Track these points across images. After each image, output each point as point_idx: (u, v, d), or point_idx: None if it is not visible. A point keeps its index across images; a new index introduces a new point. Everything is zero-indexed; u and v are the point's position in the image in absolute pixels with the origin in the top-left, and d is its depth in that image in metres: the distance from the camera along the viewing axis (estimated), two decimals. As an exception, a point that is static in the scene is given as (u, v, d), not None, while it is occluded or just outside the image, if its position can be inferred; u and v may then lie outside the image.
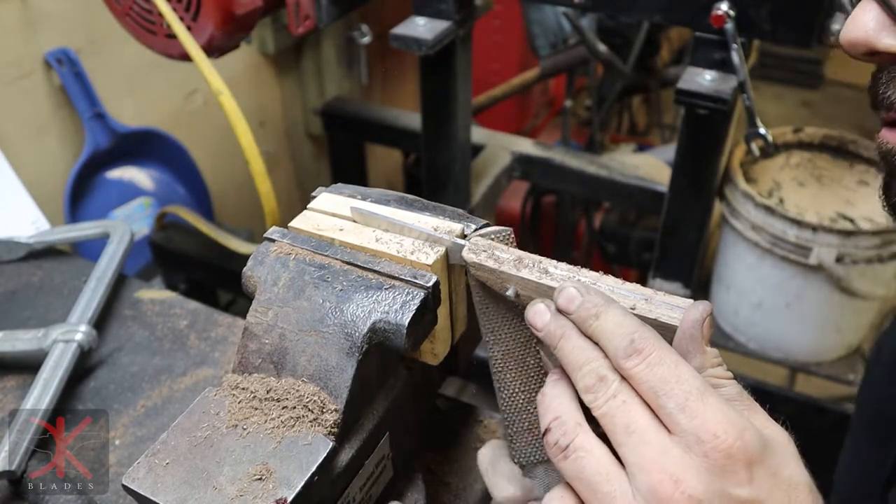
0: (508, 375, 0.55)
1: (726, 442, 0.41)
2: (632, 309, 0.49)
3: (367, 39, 1.93)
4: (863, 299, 1.52)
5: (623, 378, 0.45)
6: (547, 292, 0.51)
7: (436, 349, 0.58)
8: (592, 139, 2.14)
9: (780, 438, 0.44)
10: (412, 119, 1.84)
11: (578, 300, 0.47)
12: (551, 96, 2.79)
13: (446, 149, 1.45)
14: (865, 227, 1.48)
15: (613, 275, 0.51)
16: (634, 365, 0.44)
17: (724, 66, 1.05)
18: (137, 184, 1.64)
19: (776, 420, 0.46)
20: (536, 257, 0.53)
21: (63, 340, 0.80)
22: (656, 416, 0.43)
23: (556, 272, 0.51)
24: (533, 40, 2.02)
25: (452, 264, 0.56)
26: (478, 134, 1.75)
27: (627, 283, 0.50)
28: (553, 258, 0.53)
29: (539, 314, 0.50)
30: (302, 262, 0.55)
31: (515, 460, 0.56)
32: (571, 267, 0.52)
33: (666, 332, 0.48)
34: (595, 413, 0.45)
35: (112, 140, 1.52)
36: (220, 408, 0.52)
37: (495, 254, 0.53)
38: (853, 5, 0.54)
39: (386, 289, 0.53)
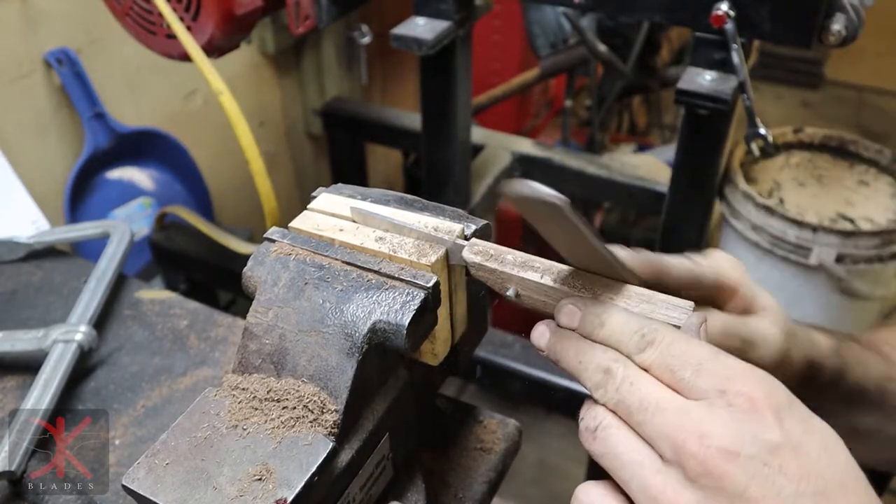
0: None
1: (748, 387, 0.40)
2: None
3: (367, 39, 1.93)
4: (863, 299, 1.53)
5: (633, 365, 0.44)
6: (547, 292, 0.51)
7: (436, 349, 0.58)
8: (592, 139, 2.14)
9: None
10: (412, 119, 1.84)
11: (578, 315, 0.48)
12: (551, 96, 2.79)
13: (446, 149, 1.45)
14: (865, 228, 1.48)
15: (613, 275, 0.51)
16: (650, 355, 0.44)
17: (724, 66, 1.05)
18: (137, 184, 1.64)
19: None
20: (537, 259, 0.53)
21: (63, 340, 0.80)
22: (672, 389, 0.43)
23: (557, 270, 0.51)
24: (533, 40, 2.02)
25: (452, 264, 0.56)
26: (478, 134, 1.75)
27: (626, 285, 0.50)
28: (553, 258, 0.53)
29: (540, 337, 0.50)
30: (302, 262, 0.55)
31: None
32: (572, 269, 0.52)
33: None
34: (609, 407, 0.44)
35: (112, 140, 1.52)
36: (220, 408, 0.52)
37: (495, 254, 0.53)
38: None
39: (386, 289, 0.53)
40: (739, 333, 0.55)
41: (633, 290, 0.50)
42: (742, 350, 0.55)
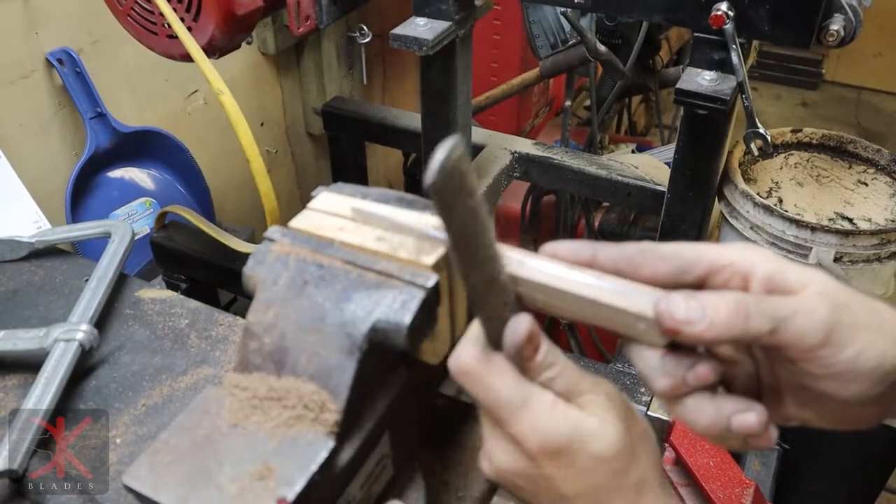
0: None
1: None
2: (644, 311, 0.48)
3: (367, 39, 1.93)
4: (862, 299, 1.52)
5: None
6: (545, 290, 0.51)
7: (436, 349, 0.58)
8: (592, 139, 2.14)
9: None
10: (412, 119, 1.84)
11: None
12: (551, 96, 2.79)
13: (446, 149, 1.45)
14: (864, 227, 1.48)
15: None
16: None
17: (724, 66, 1.06)
18: (138, 183, 1.64)
19: None
20: (535, 256, 0.53)
21: (64, 339, 0.80)
22: None
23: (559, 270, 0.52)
24: (533, 40, 2.02)
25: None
26: (478, 134, 1.75)
27: (637, 284, 0.50)
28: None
29: None
30: (302, 261, 0.56)
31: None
32: (569, 266, 0.52)
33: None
34: None
35: (113, 140, 1.52)
36: (220, 407, 0.52)
37: None
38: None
39: (386, 288, 0.53)
40: (762, 311, 0.48)
41: (643, 288, 0.49)
42: (774, 331, 0.48)
